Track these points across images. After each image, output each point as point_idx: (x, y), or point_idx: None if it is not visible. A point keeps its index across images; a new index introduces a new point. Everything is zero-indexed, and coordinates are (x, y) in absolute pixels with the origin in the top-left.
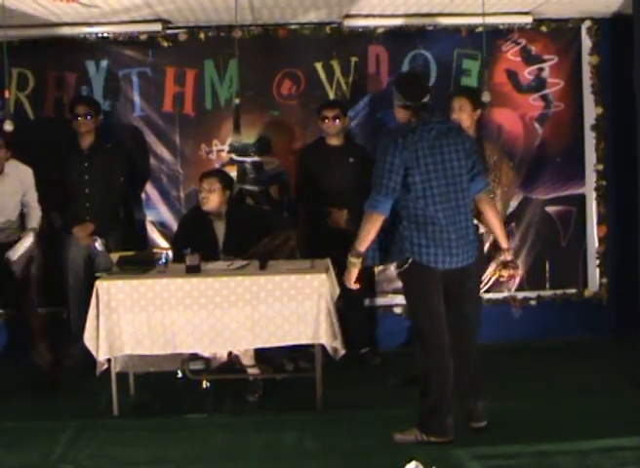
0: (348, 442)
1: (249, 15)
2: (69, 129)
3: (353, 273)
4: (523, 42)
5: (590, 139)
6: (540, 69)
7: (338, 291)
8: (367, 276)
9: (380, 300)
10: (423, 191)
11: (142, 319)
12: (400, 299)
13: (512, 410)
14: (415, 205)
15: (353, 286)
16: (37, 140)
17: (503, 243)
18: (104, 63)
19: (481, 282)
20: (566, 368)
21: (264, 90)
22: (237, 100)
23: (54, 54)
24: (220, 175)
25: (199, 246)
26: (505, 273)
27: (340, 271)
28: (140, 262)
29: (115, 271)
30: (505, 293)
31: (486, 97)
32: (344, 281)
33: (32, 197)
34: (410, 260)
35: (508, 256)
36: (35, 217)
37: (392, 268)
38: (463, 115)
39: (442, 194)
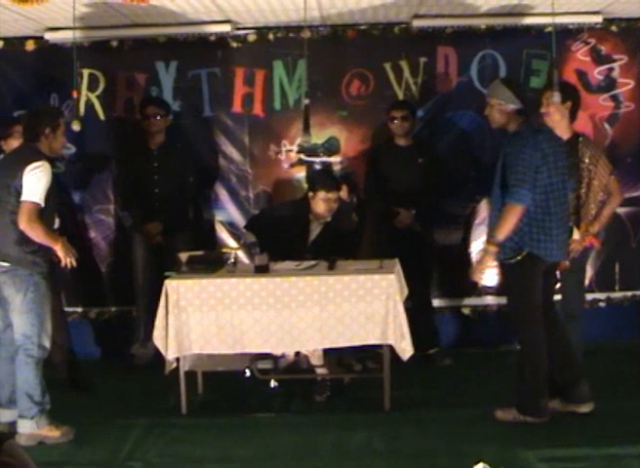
0: (416, 442)
1: (317, 15)
2: (139, 129)
3: (487, 262)
4: (593, 42)
5: None
6: (610, 69)
7: (406, 291)
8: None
9: (449, 301)
10: (545, 187)
11: (211, 318)
12: (468, 301)
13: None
14: (538, 200)
15: (478, 277)
16: (107, 141)
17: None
18: (174, 64)
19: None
20: (635, 369)
21: (333, 90)
22: (306, 101)
23: (124, 54)
24: (339, 186)
25: (286, 237)
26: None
27: (409, 271)
28: (209, 262)
29: (184, 270)
30: None
31: (556, 98)
32: (474, 272)
33: None
34: (525, 252)
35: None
36: None
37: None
38: (551, 109)
39: (557, 190)
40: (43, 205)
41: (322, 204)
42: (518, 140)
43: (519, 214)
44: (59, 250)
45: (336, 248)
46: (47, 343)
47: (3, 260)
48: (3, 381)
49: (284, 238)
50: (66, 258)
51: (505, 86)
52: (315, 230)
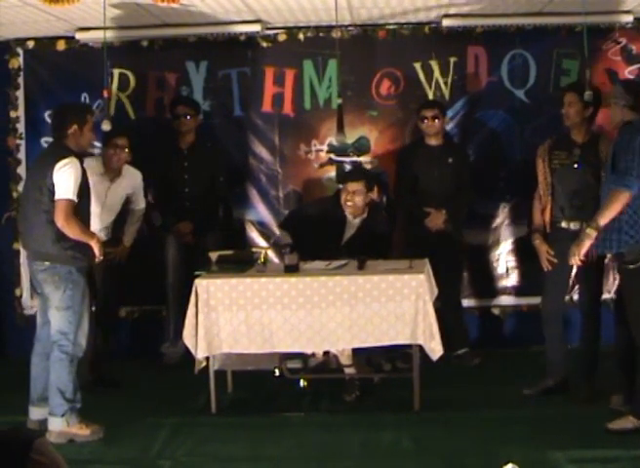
0: (445, 443)
1: (348, 15)
2: (170, 129)
3: (586, 245)
4: (623, 41)
5: None
6: None
7: (436, 291)
8: None
9: (479, 301)
10: None
11: (241, 317)
12: (498, 300)
13: (613, 414)
14: None
15: (577, 260)
16: (138, 140)
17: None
18: (204, 64)
19: None
20: None
21: (363, 90)
22: (339, 100)
23: (154, 54)
24: (365, 178)
25: (321, 236)
26: None
27: (439, 271)
28: (239, 261)
29: (214, 270)
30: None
31: (588, 97)
32: (572, 254)
33: (141, 198)
34: None
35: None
36: (139, 215)
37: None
38: (571, 111)
39: None
40: (76, 200)
41: (343, 196)
42: (631, 129)
43: (624, 200)
44: (94, 245)
45: (369, 248)
46: (83, 341)
47: (43, 260)
48: (36, 378)
49: (318, 237)
50: (101, 253)
51: (619, 84)
52: (350, 230)
